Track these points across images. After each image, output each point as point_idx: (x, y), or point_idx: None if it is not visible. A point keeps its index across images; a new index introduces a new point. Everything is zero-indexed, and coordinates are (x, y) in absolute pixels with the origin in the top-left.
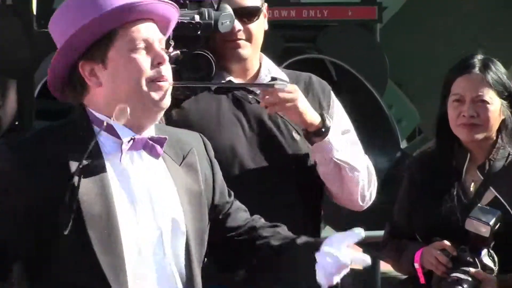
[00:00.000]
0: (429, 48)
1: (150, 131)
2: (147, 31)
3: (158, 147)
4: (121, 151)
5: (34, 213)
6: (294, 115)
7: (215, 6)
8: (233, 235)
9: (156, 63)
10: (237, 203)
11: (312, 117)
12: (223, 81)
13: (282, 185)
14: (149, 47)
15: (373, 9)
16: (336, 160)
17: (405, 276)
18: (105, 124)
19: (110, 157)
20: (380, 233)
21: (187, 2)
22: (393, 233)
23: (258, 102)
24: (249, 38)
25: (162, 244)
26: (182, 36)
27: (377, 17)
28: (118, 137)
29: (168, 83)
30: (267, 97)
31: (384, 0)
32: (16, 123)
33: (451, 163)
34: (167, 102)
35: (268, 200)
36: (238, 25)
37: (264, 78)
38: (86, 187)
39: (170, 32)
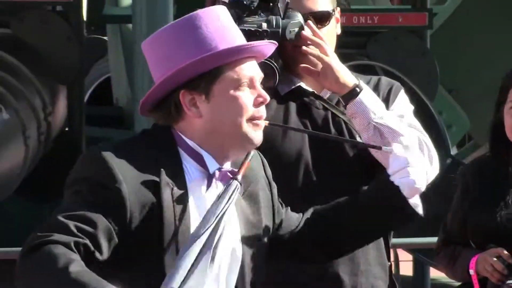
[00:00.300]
0: (479, 54)
1: (227, 165)
2: (251, 69)
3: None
4: (209, 182)
5: (120, 217)
6: (327, 79)
7: (281, 14)
8: (297, 230)
9: (259, 103)
10: (288, 211)
11: (346, 79)
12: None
13: (346, 191)
14: (252, 86)
15: (423, 15)
16: (374, 124)
17: (458, 283)
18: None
19: (191, 184)
20: (433, 240)
21: (253, 7)
22: (446, 240)
23: (325, 109)
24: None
25: (218, 278)
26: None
27: (428, 23)
28: (204, 166)
29: (264, 122)
30: (304, 47)
31: (434, 6)
32: (66, 129)
33: (506, 170)
34: (260, 140)
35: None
36: (307, 31)
37: None
38: (170, 208)
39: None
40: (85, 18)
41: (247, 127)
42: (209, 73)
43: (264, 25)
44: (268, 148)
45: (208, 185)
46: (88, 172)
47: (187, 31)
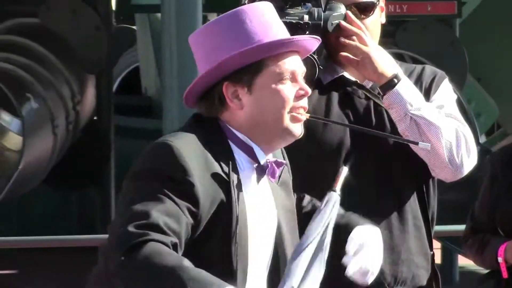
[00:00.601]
0: (508, 42)
1: (270, 155)
2: (294, 63)
3: (277, 171)
4: (259, 174)
5: (195, 209)
6: (366, 69)
7: (323, 6)
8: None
9: (300, 96)
10: None
11: (384, 69)
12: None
13: (386, 180)
14: (294, 79)
15: (452, 4)
16: (411, 115)
17: (486, 271)
18: None
19: (242, 175)
20: (461, 227)
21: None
22: (474, 228)
23: (367, 98)
24: (369, 34)
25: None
26: (291, 36)
27: (457, 12)
28: (254, 158)
29: (306, 115)
30: (342, 38)
31: None
32: (95, 118)
33: None
34: (300, 132)
35: (372, 196)
36: (347, 22)
37: None
38: (235, 202)
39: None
40: (113, 8)
41: (288, 120)
42: (251, 65)
43: (306, 17)
44: (308, 138)
45: (259, 177)
46: (160, 164)
47: (232, 25)
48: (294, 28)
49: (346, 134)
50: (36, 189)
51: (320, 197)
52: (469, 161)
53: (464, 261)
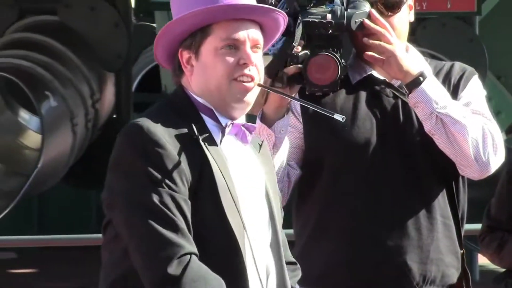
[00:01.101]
0: None
1: (241, 119)
2: (241, 31)
3: (248, 133)
4: (223, 133)
5: (186, 184)
6: (391, 67)
7: (345, 4)
8: None
9: (242, 63)
10: None
11: (409, 68)
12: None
13: (411, 180)
14: (239, 48)
15: (472, 1)
16: (436, 113)
17: (504, 269)
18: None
19: (212, 134)
20: (478, 226)
21: None
22: (491, 226)
23: (396, 97)
24: (393, 32)
25: (271, 222)
26: (314, 34)
27: (476, 9)
28: (217, 121)
29: (253, 83)
30: (365, 39)
31: None
32: (114, 116)
33: None
34: (249, 99)
35: (398, 194)
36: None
37: None
38: (211, 159)
39: (276, 36)
40: (132, 5)
41: (229, 87)
42: (199, 31)
43: (329, 16)
44: (336, 137)
45: (222, 138)
46: (137, 145)
47: None
48: (316, 27)
49: (373, 133)
50: (55, 187)
51: (347, 194)
52: (496, 158)
53: (484, 260)
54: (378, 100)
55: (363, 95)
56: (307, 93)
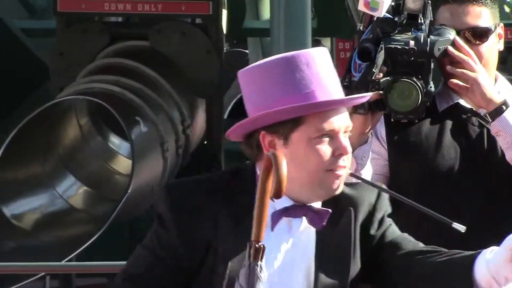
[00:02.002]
0: None
1: (317, 203)
2: (335, 120)
3: (318, 220)
4: (274, 220)
5: (176, 253)
6: (475, 95)
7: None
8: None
9: (338, 154)
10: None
11: (493, 96)
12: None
13: (494, 211)
14: (333, 137)
15: None
16: None
17: None
18: None
19: None
20: None
21: (402, 23)
22: None
23: (481, 126)
24: (478, 60)
25: None
26: (396, 61)
27: None
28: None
29: (345, 172)
30: (449, 66)
31: None
32: (205, 142)
33: None
34: (340, 188)
35: (482, 223)
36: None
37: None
38: (230, 247)
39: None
40: (224, 31)
41: (323, 178)
42: (290, 121)
43: (412, 43)
44: (420, 164)
45: (273, 223)
46: (156, 207)
47: (278, 72)
48: (399, 53)
49: (457, 161)
50: (146, 213)
51: (431, 222)
52: None
53: None
54: (464, 128)
55: (449, 123)
56: (392, 120)
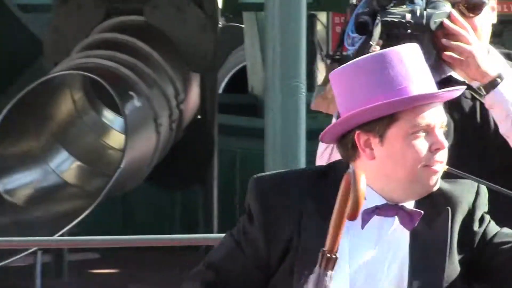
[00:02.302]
0: None
1: (409, 204)
2: (431, 115)
3: (410, 222)
4: (365, 218)
5: (258, 248)
6: (469, 68)
7: (424, 4)
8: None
9: (434, 149)
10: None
11: (488, 69)
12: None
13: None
14: (429, 132)
15: None
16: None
17: None
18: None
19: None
20: None
21: None
22: None
23: (474, 98)
24: (473, 33)
25: None
26: (392, 34)
27: None
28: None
29: (442, 167)
30: (444, 39)
31: None
32: (198, 116)
33: None
34: (437, 186)
35: None
36: (450, 21)
37: None
38: (313, 246)
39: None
40: (220, 6)
41: (420, 174)
42: (386, 117)
43: (408, 16)
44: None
45: (363, 221)
46: (246, 198)
47: (371, 71)
48: (395, 26)
49: (451, 133)
50: (138, 187)
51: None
52: None
53: None
54: (457, 101)
55: None
56: None
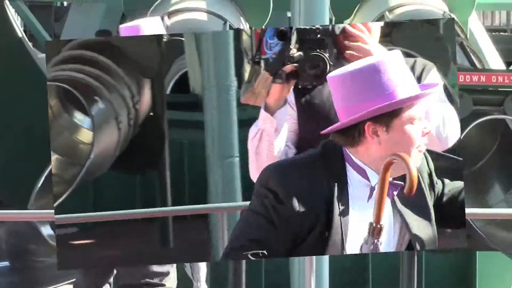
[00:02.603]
0: None
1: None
2: (419, 107)
3: (391, 192)
4: (371, 193)
5: (290, 222)
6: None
7: None
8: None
9: (425, 133)
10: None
11: None
12: None
13: None
14: (420, 119)
15: None
16: None
17: None
18: None
19: (353, 193)
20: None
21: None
22: None
23: None
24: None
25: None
26: (306, 39)
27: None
28: (367, 178)
29: (424, 148)
30: (346, 41)
31: None
32: (151, 114)
33: None
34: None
35: None
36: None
37: None
38: (337, 220)
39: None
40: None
41: (414, 154)
42: (392, 111)
43: (317, 24)
44: (322, 122)
45: (370, 196)
46: (262, 184)
47: (374, 76)
48: (307, 33)
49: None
50: (105, 174)
51: None
52: (450, 136)
53: None
54: None
55: None
56: (299, 86)
